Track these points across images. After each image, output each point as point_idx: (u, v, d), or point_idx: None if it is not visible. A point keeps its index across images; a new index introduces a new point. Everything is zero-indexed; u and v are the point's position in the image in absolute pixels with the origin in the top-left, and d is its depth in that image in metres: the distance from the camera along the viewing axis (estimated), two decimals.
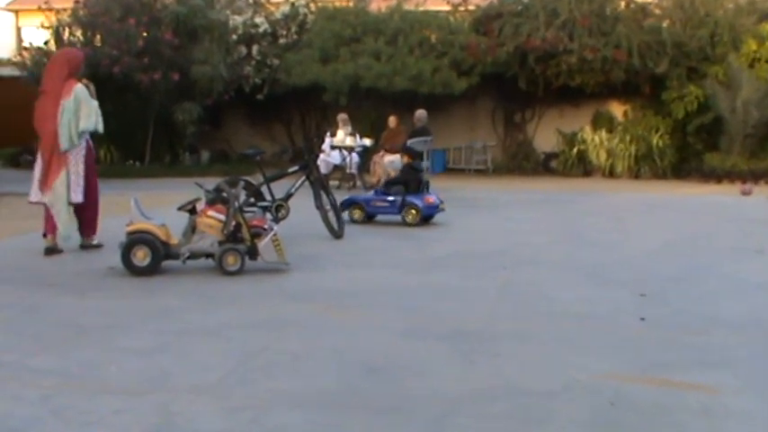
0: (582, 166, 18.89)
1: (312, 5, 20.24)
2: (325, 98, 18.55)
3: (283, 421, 3.67)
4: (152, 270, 6.79)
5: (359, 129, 16.09)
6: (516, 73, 18.46)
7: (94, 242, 8.13)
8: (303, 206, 10.06)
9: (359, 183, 14.96)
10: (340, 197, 10.24)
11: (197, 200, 7.11)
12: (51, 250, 7.81)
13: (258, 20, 20.09)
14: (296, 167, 10.07)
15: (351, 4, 19.87)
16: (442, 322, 5.42)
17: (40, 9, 18.95)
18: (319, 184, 9.49)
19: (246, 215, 7.28)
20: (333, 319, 5.52)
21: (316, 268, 7.30)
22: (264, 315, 5.59)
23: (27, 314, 5.58)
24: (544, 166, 19.93)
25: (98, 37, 17.76)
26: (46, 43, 18.37)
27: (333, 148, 14.99)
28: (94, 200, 8.11)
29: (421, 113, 14.99)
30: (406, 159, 11.17)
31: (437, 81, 17.88)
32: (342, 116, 15.56)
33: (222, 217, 6.95)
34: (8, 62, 21.95)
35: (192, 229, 6.98)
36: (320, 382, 4.17)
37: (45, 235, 7.91)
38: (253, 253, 6.95)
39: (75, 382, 4.12)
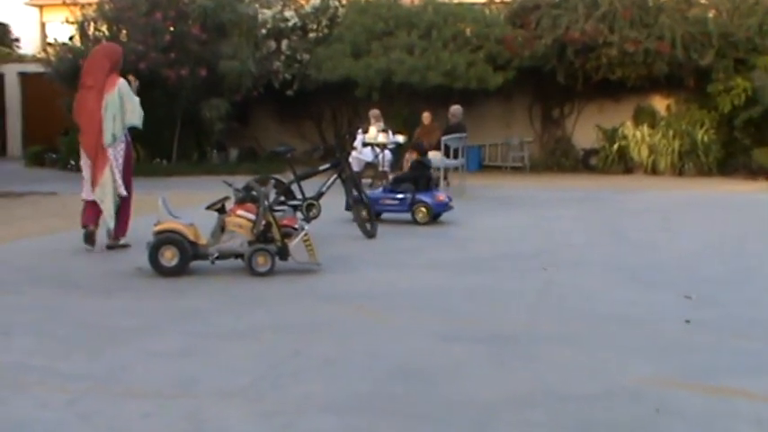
0: (623, 163, 18.75)
1: None
2: (356, 94, 18.56)
3: (316, 427, 3.66)
4: (180, 271, 6.82)
5: (391, 125, 16.06)
6: (554, 67, 18.34)
7: (121, 242, 8.20)
8: (335, 205, 10.10)
9: None
10: None
11: (226, 199, 7.14)
12: (91, 237, 8.03)
13: (288, 13, 20.13)
14: (327, 165, 10.10)
15: None
16: (480, 325, 5.40)
17: (64, 4, 19.10)
18: (351, 182, 9.50)
19: (276, 214, 7.29)
20: (366, 322, 5.52)
21: (348, 269, 7.30)
22: (296, 317, 5.60)
23: (53, 316, 5.62)
24: (583, 163, 19.80)
25: (124, 32, 17.86)
26: (71, 39, 18.53)
27: (365, 145, 14.97)
28: (127, 199, 8.22)
29: (456, 109, 14.94)
30: (414, 156, 11.16)
31: (472, 76, 17.82)
32: (374, 112, 15.55)
33: (252, 216, 6.97)
34: (32, 58, 22.23)
35: (220, 228, 7.01)
36: (354, 386, 4.16)
37: (86, 226, 8.07)
38: (283, 253, 6.96)
39: (101, 386, 4.15)
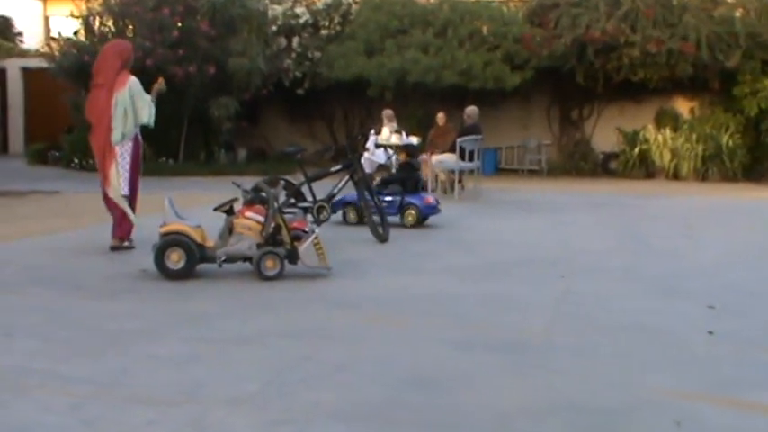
0: (644, 168, 18.71)
1: None
2: (369, 93, 18.59)
3: None
4: (186, 273, 6.84)
5: (405, 126, 16.06)
6: (574, 67, 18.33)
7: (125, 244, 8.23)
8: None
9: None
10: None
11: (234, 200, 7.15)
12: (119, 247, 8.20)
13: (299, 10, 20.19)
14: (339, 167, 10.11)
15: None
16: (495, 333, 5.39)
17: None
18: (363, 184, 9.51)
19: (286, 217, 7.30)
20: (378, 328, 5.52)
21: (359, 274, 7.30)
22: (305, 323, 5.60)
23: (56, 318, 5.64)
24: (603, 167, 19.78)
25: (130, 27, 17.96)
26: (75, 34, 18.61)
27: (377, 146, 14.96)
28: (133, 197, 8.27)
29: (472, 110, 14.94)
30: (403, 157, 11.17)
31: (489, 76, 17.83)
32: (387, 112, 15.55)
33: (261, 218, 6.98)
34: (35, 53, 22.30)
35: (228, 230, 7.01)
36: (364, 394, 4.16)
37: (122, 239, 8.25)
38: (293, 257, 6.97)
39: (105, 391, 4.16)
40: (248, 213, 7.03)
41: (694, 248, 9.13)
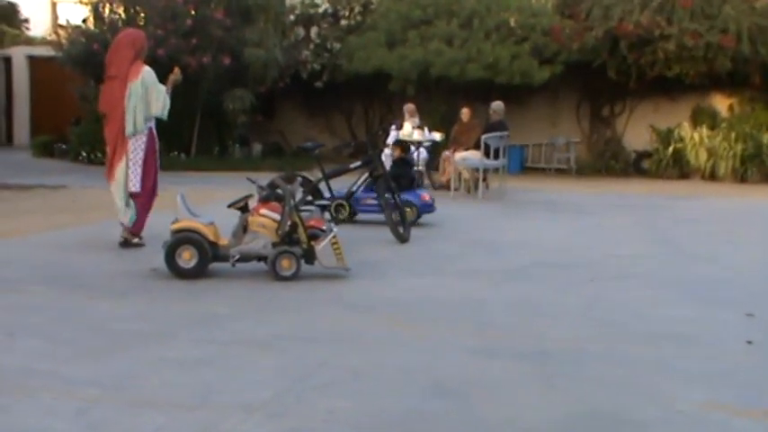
0: (678, 167, 18.59)
1: None
2: (390, 87, 18.59)
3: None
4: (198, 273, 6.84)
5: (428, 121, 16.08)
6: (605, 61, 18.25)
7: (135, 241, 8.25)
8: None
9: (426, 181, 14.95)
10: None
11: (249, 197, 7.16)
12: (127, 243, 8.24)
13: None
14: (358, 163, 10.11)
15: None
16: (521, 340, 5.37)
17: None
18: (384, 181, 9.50)
19: (303, 215, 7.30)
20: (397, 333, 5.50)
21: (378, 275, 7.30)
22: (322, 326, 5.60)
23: (61, 317, 5.66)
24: (635, 167, 19.69)
25: (141, 15, 18.00)
26: (84, 21, 18.66)
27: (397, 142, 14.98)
28: (148, 191, 8.29)
29: (498, 105, 14.90)
30: (397, 153, 11.15)
31: (516, 69, 17.78)
32: (409, 107, 15.56)
33: (277, 216, 6.98)
34: (42, 41, 22.42)
35: (243, 228, 7.01)
36: (383, 403, 4.15)
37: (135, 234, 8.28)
38: (309, 256, 6.97)
39: (113, 395, 4.16)
40: (263, 211, 7.04)
41: (732, 253, 9.06)
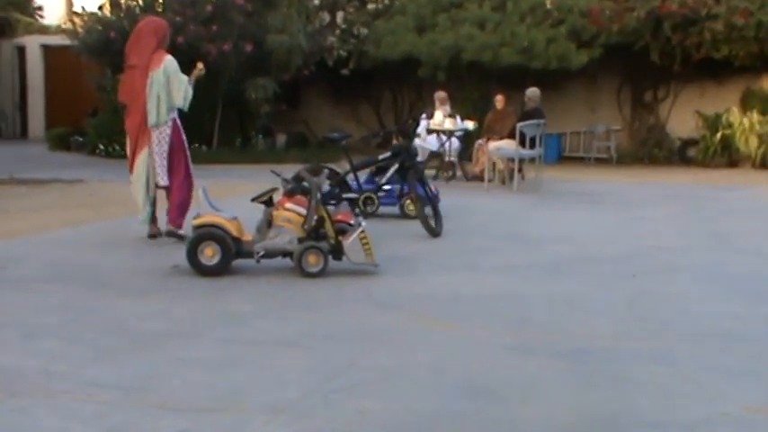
0: (727, 155, 18.47)
1: None
2: (420, 74, 18.60)
3: None
4: (221, 270, 6.89)
5: (460, 110, 16.07)
6: (647, 44, 18.15)
7: (180, 231, 8.33)
8: None
9: (459, 172, 14.95)
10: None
11: (273, 190, 7.18)
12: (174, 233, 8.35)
13: None
14: (388, 154, 10.11)
15: None
16: (559, 338, 5.37)
17: None
18: (414, 173, 9.51)
19: (330, 208, 7.32)
20: (429, 331, 5.52)
21: (409, 271, 7.31)
22: (350, 324, 5.63)
23: (80, 317, 5.72)
24: (680, 155, 19.59)
25: (159, 1, 18.10)
26: (100, 8, 18.79)
27: (429, 131, 14.99)
28: (179, 183, 8.36)
29: (533, 92, 14.86)
30: (399, 141, 11.14)
31: (552, 54, 17.74)
32: (440, 94, 15.55)
33: (302, 210, 7.00)
34: (57, 29, 22.57)
35: (267, 223, 7.04)
36: (415, 403, 4.17)
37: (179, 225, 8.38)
38: (337, 252, 6.99)
39: (134, 397, 4.21)
40: (289, 205, 7.06)
41: None
